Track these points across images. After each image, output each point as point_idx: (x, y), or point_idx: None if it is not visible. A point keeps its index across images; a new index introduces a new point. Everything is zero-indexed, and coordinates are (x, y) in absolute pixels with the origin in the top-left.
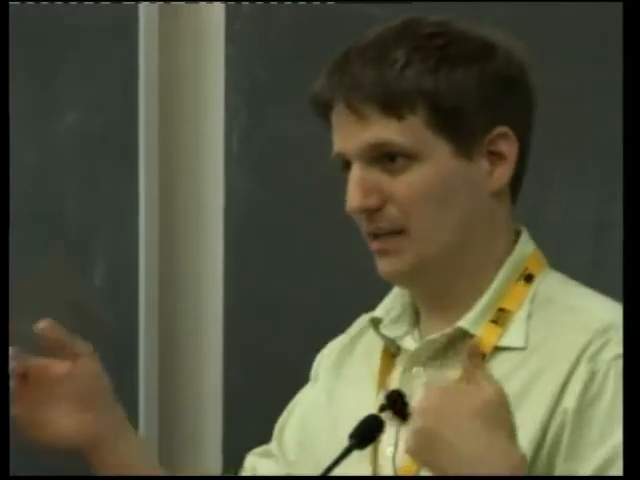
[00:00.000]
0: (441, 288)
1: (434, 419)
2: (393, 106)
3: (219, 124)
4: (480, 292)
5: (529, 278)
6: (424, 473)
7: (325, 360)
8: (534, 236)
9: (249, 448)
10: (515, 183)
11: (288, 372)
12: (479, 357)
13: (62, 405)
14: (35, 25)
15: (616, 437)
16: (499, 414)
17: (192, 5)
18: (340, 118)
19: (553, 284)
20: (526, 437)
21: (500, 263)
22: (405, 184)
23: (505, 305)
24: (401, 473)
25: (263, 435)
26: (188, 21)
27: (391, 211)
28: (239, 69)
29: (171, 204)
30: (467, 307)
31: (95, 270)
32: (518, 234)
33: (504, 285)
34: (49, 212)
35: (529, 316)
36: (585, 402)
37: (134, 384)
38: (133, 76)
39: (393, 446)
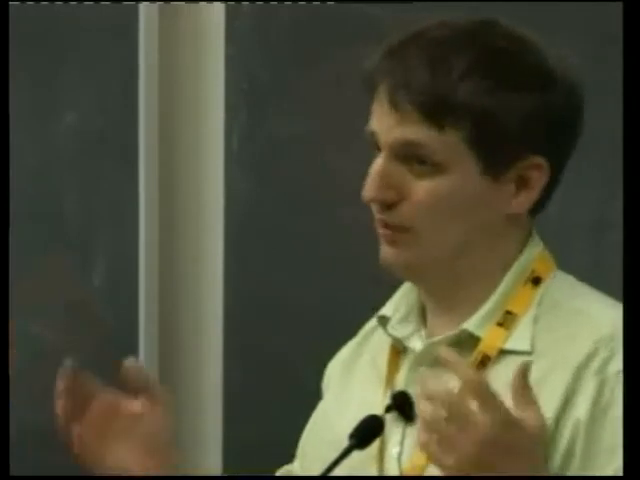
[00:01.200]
0: (446, 290)
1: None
2: (437, 115)
3: (219, 124)
4: (487, 295)
5: (536, 281)
6: (430, 474)
7: (334, 369)
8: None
9: (249, 448)
10: (539, 204)
11: (288, 372)
12: (527, 378)
13: (127, 441)
14: (35, 25)
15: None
16: (536, 449)
17: (192, 5)
18: (382, 104)
19: (561, 287)
20: None
21: (508, 266)
22: (425, 189)
23: (512, 308)
24: (407, 474)
25: (263, 435)
26: (188, 21)
27: (404, 209)
28: (239, 69)
29: (171, 204)
30: (474, 309)
31: (95, 270)
32: (530, 236)
33: (511, 288)
34: (49, 212)
35: (535, 319)
36: (596, 414)
37: None
38: (133, 76)
39: (399, 446)
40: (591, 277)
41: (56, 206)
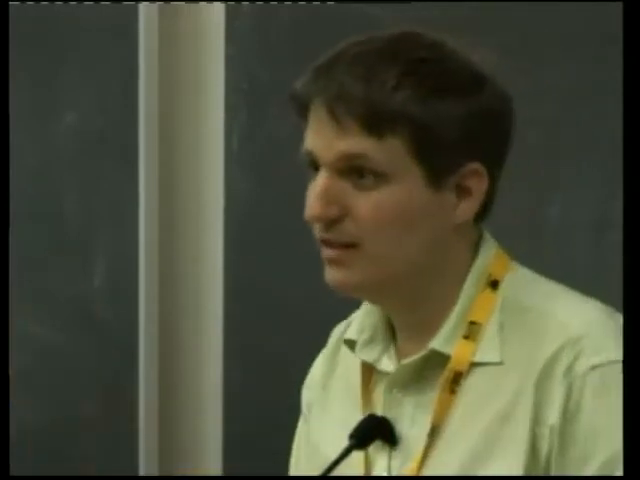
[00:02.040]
0: (407, 308)
1: None
2: (376, 125)
3: (219, 124)
4: (449, 308)
5: (494, 284)
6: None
7: (311, 391)
8: (534, 236)
9: (249, 448)
10: (484, 210)
11: (288, 372)
12: None
13: None
14: (35, 25)
15: (602, 454)
16: None
17: (192, 5)
18: (319, 120)
19: (520, 287)
20: (516, 457)
21: (465, 275)
22: (369, 202)
23: (474, 317)
24: None
25: (263, 435)
26: (188, 21)
27: (349, 225)
28: (239, 69)
29: (171, 204)
30: (439, 324)
31: (95, 270)
32: (481, 240)
33: (470, 297)
34: (49, 212)
35: (501, 327)
36: (566, 419)
37: (134, 384)
38: (133, 76)
39: (386, 471)
40: (591, 277)
41: (56, 206)
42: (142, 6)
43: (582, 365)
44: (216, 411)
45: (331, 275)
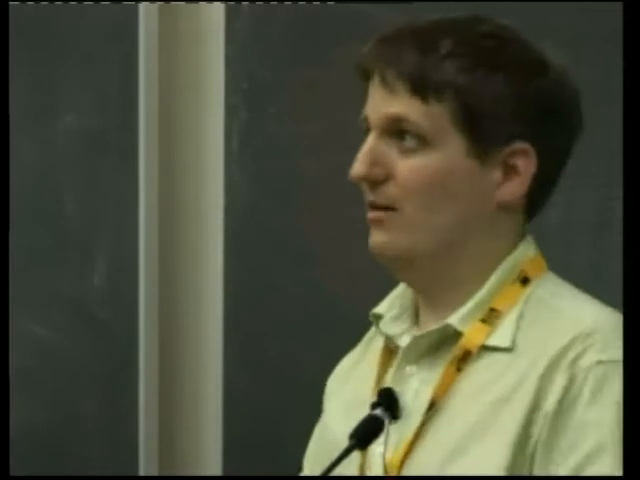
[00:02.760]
0: (436, 288)
1: None
2: (422, 89)
3: (219, 124)
4: (474, 292)
5: (525, 281)
6: (409, 467)
7: (333, 382)
8: (534, 236)
9: (249, 448)
10: (533, 200)
11: (288, 372)
12: None
13: None
14: (35, 25)
15: (587, 444)
16: None
17: (192, 5)
18: (374, 88)
19: (548, 286)
20: (506, 440)
21: (498, 264)
22: (410, 165)
23: (496, 305)
24: (389, 471)
25: (263, 435)
26: (188, 21)
27: (391, 188)
28: (239, 69)
29: (171, 204)
30: (461, 306)
31: (95, 270)
32: (522, 237)
33: (497, 286)
34: (49, 212)
35: (520, 317)
36: (561, 408)
37: (134, 384)
38: (133, 76)
39: (383, 445)
40: (591, 277)
41: (56, 206)
42: (142, 6)
43: (588, 359)
44: (216, 411)
45: (372, 237)
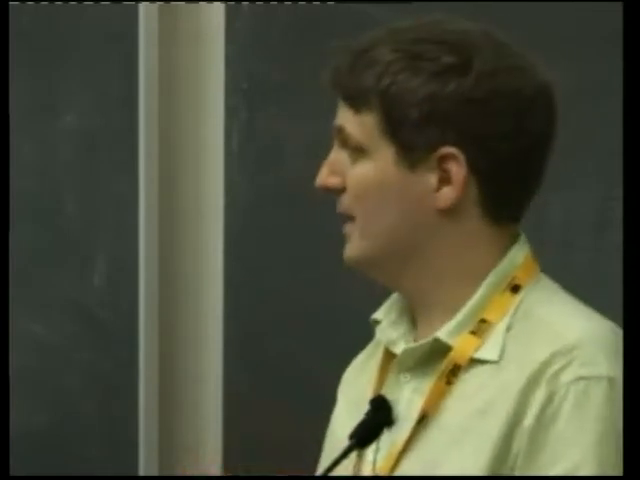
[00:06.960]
0: (416, 292)
1: None
2: (350, 98)
3: (219, 124)
4: (464, 301)
5: (516, 289)
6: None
7: (349, 374)
8: (534, 236)
9: (249, 448)
10: (496, 203)
11: (288, 372)
12: None
13: None
14: (35, 25)
15: (567, 461)
16: None
17: (192, 5)
18: None
19: (538, 295)
20: (485, 451)
21: (485, 273)
22: (352, 174)
23: (487, 316)
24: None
25: (263, 435)
26: (188, 21)
27: (344, 196)
28: (239, 69)
29: (171, 204)
30: (451, 315)
31: (95, 270)
32: (513, 241)
33: (488, 295)
34: (49, 212)
35: (508, 328)
36: (541, 424)
37: (134, 384)
38: (133, 76)
39: (375, 452)
40: (591, 277)
41: (56, 206)
42: (142, 6)
43: (569, 374)
44: (216, 411)
45: (344, 250)
